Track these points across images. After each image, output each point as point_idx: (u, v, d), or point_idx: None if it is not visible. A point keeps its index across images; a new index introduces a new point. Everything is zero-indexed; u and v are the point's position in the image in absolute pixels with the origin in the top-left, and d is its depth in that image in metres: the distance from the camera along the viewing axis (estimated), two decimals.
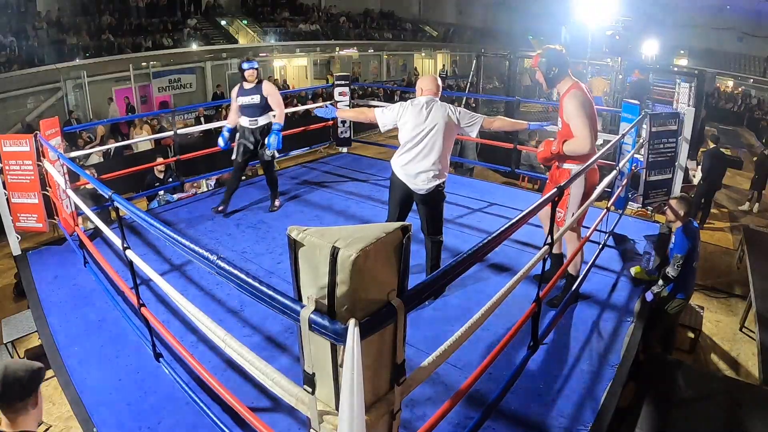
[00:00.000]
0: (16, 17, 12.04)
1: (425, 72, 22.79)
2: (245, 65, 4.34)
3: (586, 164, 2.61)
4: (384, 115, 3.06)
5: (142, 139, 7.71)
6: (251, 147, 4.45)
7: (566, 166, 2.91)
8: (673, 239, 3.55)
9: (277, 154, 4.62)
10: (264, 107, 4.38)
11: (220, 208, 4.51)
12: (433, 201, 3.04)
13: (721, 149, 7.58)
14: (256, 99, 4.31)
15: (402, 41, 21.75)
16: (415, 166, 2.93)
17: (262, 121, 4.42)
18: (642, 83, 9.20)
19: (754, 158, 9.54)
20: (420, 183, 2.94)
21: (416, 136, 2.91)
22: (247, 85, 4.35)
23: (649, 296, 3.28)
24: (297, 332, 1.23)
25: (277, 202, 4.68)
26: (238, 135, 4.48)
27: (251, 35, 16.91)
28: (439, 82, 3.09)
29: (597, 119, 2.91)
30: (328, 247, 1.13)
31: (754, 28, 20.52)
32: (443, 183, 3.01)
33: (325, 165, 6.16)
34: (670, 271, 3.37)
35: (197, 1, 16.42)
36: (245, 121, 4.40)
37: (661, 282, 3.35)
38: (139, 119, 10.12)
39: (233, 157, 4.50)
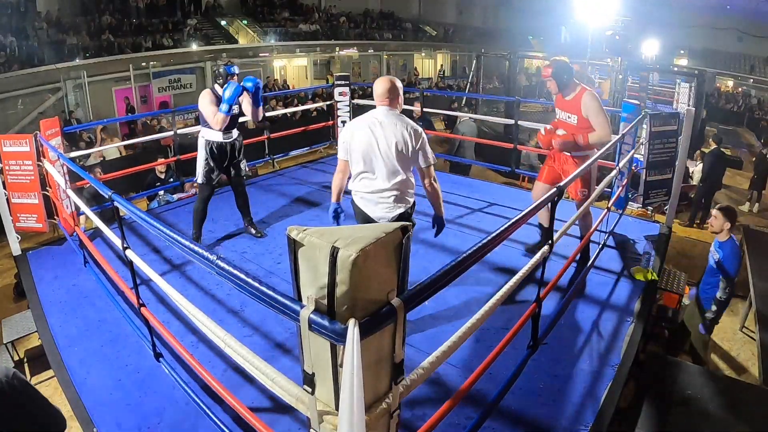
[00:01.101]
0: (16, 17, 12.05)
1: (425, 72, 22.77)
2: (236, 69, 3.77)
3: (599, 153, 3.02)
4: (340, 151, 2.65)
5: (143, 140, 7.71)
6: (223, 166, 3.84)
7: (581, 153, 3.30)
8: (716, 255, 3.48)
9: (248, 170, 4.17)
10: (239, 116, 3.87)
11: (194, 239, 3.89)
12: None
13: (722, 149, 7.58)
14: (235, 108, 3.73)
15: (402, 41, 21.75)
16: (372, 196, 2.59)
17: (236, 132, 3.88)
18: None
19: (753, 158, 9.55)
20: (381, 211, 2.60)
21: (369, 158, 2.52)
22: (221, 91, 3.71)
23: (702, 329, 3.36)
24: (297, 332, 1.23)
25: (253, 230, 4.08)
26: (202, 156, 3.77)
27: (251, 35, 16.91)
28: (398, 84, 2.59)
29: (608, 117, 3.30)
30: (328, 247, 1.13)
31: (754, 28, 20.53)
32: (411, 209, 2.67)
33: (325, 165, 6.16)
34: (721, 295, 3.37)
35: (197, 1, 16.44)
36: (217, 136, 3.72)
37: (714, 308, 3.38)
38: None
39: (200, 181, 3.79)
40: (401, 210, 2.61)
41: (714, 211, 3.58)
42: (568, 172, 3.29)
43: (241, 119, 4.02)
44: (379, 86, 2.56)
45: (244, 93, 3.68)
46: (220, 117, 3.63)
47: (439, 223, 2.77)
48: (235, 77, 3.72)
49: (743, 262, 5.45)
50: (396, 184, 2.55)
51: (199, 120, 3.83)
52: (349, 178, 2.68)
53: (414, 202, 2.68)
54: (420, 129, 2.56)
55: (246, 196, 4.05)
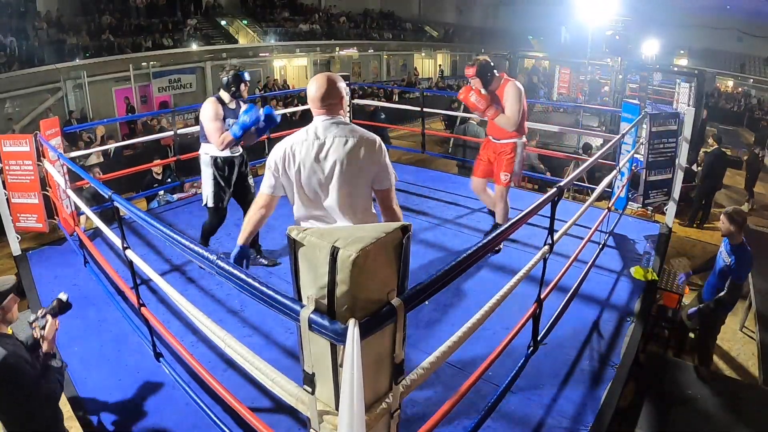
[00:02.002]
0: (16, 17, 12.05)
1: (425, 72, 22.74)
2: (247, 75, 3.35)
3: (599, 153, 2.91)
4: (266, 183, 2.08)
5: (142, 140, 7.71)
6: (232, 183, 3.43)
7: (511, 140, 3.54)
8: (727, 258, 3.49)
9: None
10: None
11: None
12: None
13: (722, 149, 7.58)
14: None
15: (402, 41, 21.76)
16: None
17: (240, 147, 3.44)
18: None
19: (745, 157, 9.55)
20: None
21: (313, 190, 1.99)
22: (232, 103, 3.32)
23: (693, 312, 3.34)
24: (297, 332, 1.23)
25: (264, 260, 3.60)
26: (209, 175, 3.32)
27: (251, 35, 16.92)
28: (339, 83, 2.02)
29: (525, 107, 3.53)
30: (328, 247, 1.13)
31: (754, 28, 20.53)
32: None
33: None
34: (727, 297, 3.38)
35: (197, 1, 16.44)
36: (225, 151, 3.29)
37: (712, 305, 3.40)
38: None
39: (212, 204, 3.37)
40: None
41: (721, 217, 3.58)
42: (498, 158, 3.59)
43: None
44: (313, 88, 1.97)
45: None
46: (227, 139, 3.17)
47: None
48: (242, 85, 3.30)
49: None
50: (356, 217, 2.01)
51: (200, 129, 3.37)
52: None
53: None
54: (378, 140, 2.00)
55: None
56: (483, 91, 3.43)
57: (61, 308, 2.24)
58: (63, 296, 2.26)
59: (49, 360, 2.09)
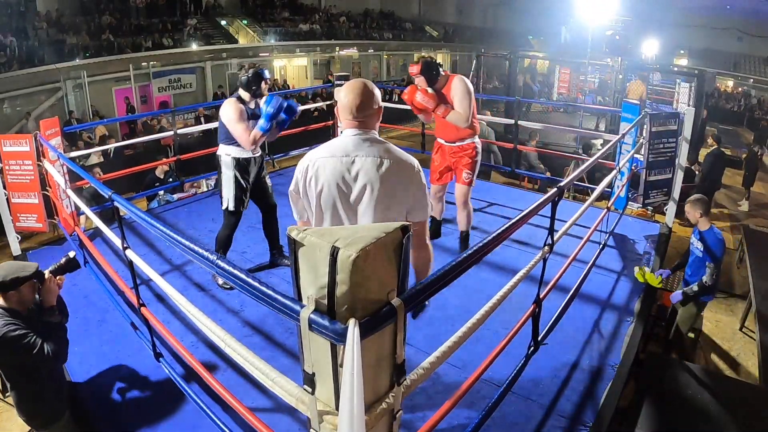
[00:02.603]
0: (16, 17, 12.04)
1: None
2: (267, 73, 3.22)
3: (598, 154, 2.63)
4: (294, 210, 1.90)
5: (142, 140, 7.71)
6: (252, 184, 3.31)
7: (469, 140, 3.46)
8: (698, 245, 3.54)
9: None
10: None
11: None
12: None
13: (722, 149, 7.57)
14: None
15: (402, 41, 21.75)
16: None
17: (259, 147, 3.32)
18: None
19: (743, 156, 9.54)
20: None
21: (338, 213, 1.74)
22: (252, 102, 3.21)
23: (677, 296, 3.34)
24: (297, 332, 1.23)
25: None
26: (230, 177, 3.19)
27: (251, 35, 16.91)
28: (376, 91, 1.74)
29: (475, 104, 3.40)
30: (328, 247, 1.13)
31: (754, 28, 20.53)
32: None
33: None
34: (707, 280, 3.40)
35: (197, 1, 16.43)
36: (245, 152, 3.17)
37: (696, 288, 3.39)
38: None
39: (233, 208, 3.23)
40: None
41: (686, 207, 3.62)
42: (457, 160, 3.50)
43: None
44: (350, 96, 1.69)
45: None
46: (257, 135, 3.05)
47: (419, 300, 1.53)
48: (263, 85, 3.18)
49: (744, 262, 5.45)
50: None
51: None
52: None
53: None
54: (417, 164, 1.77)
55: (275, 218, 3.48)
56: (430, 90, 3.29)
57: (69, 265, 2.29)
58: (71, 254, 2.33)
59: (50, 316, 2.16)
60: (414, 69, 3.33)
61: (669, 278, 4.05)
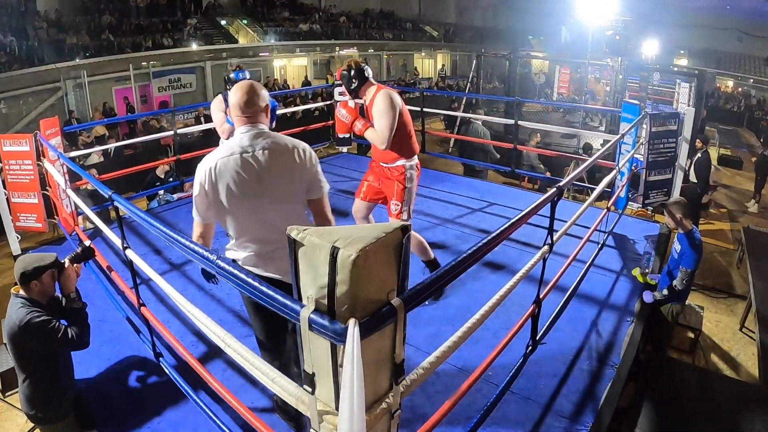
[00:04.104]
0: (16, 17, 12.04)
1: (425, 72, 22.73)
2: (238, 75, 3.53)
3: (598, 154, 2.59)
4: (195, 212, 1.93)
5: (142, 140, 7.70)
6: None
7: (398, 163, 3.01)
8: (677, 247, 3.46)
9: None
10: None
11: None
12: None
13: (708, 150, 7.51)
14: None
15: (402, 41, 21.75)
16: (269, 253, 1.92)
17: None
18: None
19: (753, 159, 9.52)
20: (287, 264, 1.71)
21: (252, 206, 1.86)
22: None
23: (648, 297, 3.27)
24: (297, 332, 1.23)
25: None
26: None
27: (251, 35, 16.91)
28: (262, 91, 1.92)
29: (409, 118, 3.01)
30: (328, 247, 1.13)
31: (754, 28, 20.53)
32: None
33: (325, 165, 6.15)
34: (678, 285, 3.28)
35: (197, 1, 16.43)
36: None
37: (666, 292, 3.32)
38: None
39: None
40: None
41: (667, 207, 3.51)
42: (384, 185, 3.09)
43: None
44: (237, 95, 1.87)
45: None
46: (226, 128, 3.47)
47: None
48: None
49: (744, 263, 5.45)
50: (302, 222, 1.86)
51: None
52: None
53: None
54: (308, 147, 1.94)
55: None
56: (351, 102, 2.96)
57: (85, 254, 2.37)
58: (87, 242, 2.45)
59: (71, 302, 2.24)
60: (337, 74, 3.01)
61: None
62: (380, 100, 2.85)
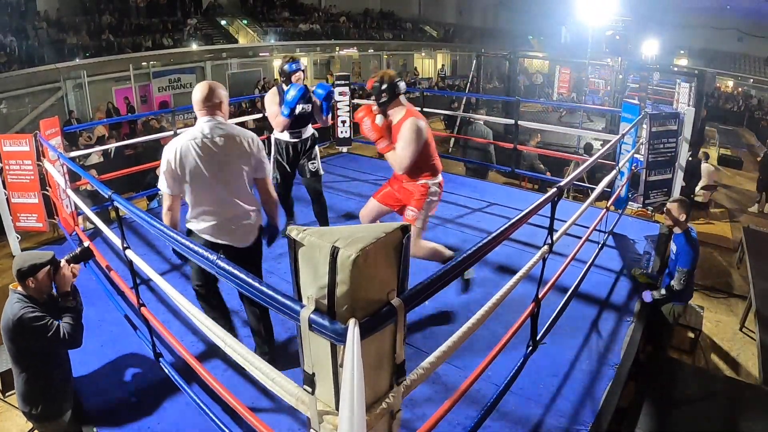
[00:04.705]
0: (16, 17, 12.04)
1: (425, 72, 22.74)
2: (292, 66, 3.51)
3: (598, 154, 2.60)
4: (163, 185, 2.25)
5: (143, 139, 7.70)
6: (290, 166, 3.73)
7: (421, 181, 2.90)
8: (674, 247, 3.46)
9: (321, 170, 3.85)
10: (311, 115, 3.64)
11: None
12: (255, 255, 2.45)
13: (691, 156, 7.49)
14: (307, 107, 3.54)
15: (402, 41, 21.74)
16: (222, 227, 2.29)
17: (307, 132, 3.71)
18: None
19: (758, 158, 9.50)
20: (240, 236, 2.33)
21: (207, 184, 2.22)
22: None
23: (647, 297, 3.26)
24: (297, 332, 1.23)
25: None
26: (272, 155, 3.70)
27: (251, 35, 16.91)
28: (220, 90, 2.29)
29: (433, 143, 2.91)
30: (328, 247, 1.13)
31: (754, 28, 20.53)
32: (260, 228, 2.45)
33: (325, 165, 6.12)
34: (675, 285, 3.27)
35: (197, 1, 16.43)
36: (284, 135, 3.65)
37: (663, 292, 3.32)
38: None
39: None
40: (256, 234, 2.39)
41: (668, 204, 3.49)
42: (405, 194, 2.98)
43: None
44: (197, 92, 2.25)
45: (313, 97, 3.53)
46: (280, 120, 3.47)
47: (273, 232, 2.52)
48: (299, 73, 3.52)
49: (744, 263, 5.45)
50: (244, 204, 2.30)
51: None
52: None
53: (262, 220, 2.46)
54: (254, 135, 2.33)
55: (321, 203, 3.83)
56: (379, 119, 2.84)
57: (83, 255, 2.39)
58: (86, 243, 2.46)
59: (65, 301, 2.24)
60: (368, 85, 2.93)
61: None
62: (407, 130, 2.74)
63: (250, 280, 1.32)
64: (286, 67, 3.53)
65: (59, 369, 2.27)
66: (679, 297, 3.39)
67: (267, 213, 2.50)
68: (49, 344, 2.15)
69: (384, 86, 2.78)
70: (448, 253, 3.01)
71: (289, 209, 3.94)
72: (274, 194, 2.47)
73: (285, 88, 3.49)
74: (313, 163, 3.75)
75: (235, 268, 1.39)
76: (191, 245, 1.59)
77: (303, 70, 3.57)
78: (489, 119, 7.30)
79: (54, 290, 2.28)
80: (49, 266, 2.20)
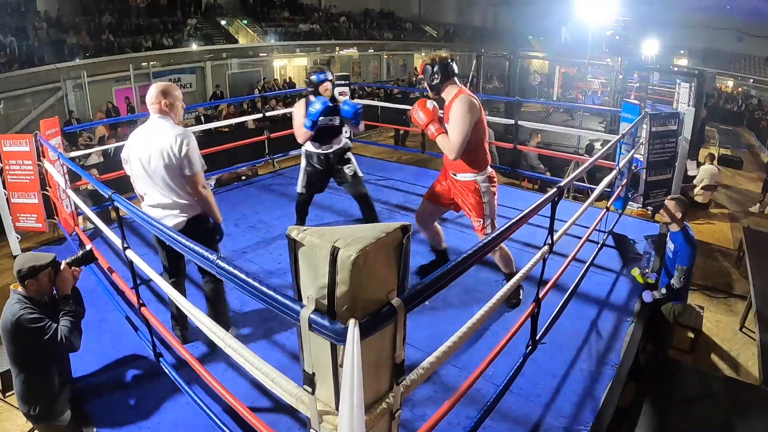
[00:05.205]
0: (16, 17, 12.04)
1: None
2: (319, 76, 3.46)
3: (598, 154, 2.59)
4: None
5: None
6: (322, 176, 3.75)
7: (467, 176, 2.84)
8: (671, 246, 3.47)
9: (360, 173, 3.81)
10: (340, 127, 3.63)
11: None
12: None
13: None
14: (335, 120, 3.55)
15: (402, 41, 21.76)
16: (155, 211, 2.49)
17: (336, 144, 3.67)
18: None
19: (766, 160, 9.48)
20: (168, 222, 2.46)
21: (144, 175, 2.46)
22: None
23: (647, 297, 3.27)
24: (297, 332, 1.23)
25: None
26: (302, 164, 3.76)
27: (251, 35, 16.92)
28: (169, 89, 2.49)
29: (485, 128, 2.84)
30: (328, 247, 1.13)
31: (754, 28, 20.54)
32: (199, 217, 2.56)
33: None
34: (675, 283, 3.29)
35: (197, 1, 16.43)
36: (312, 146, 3.64)
37: (664, 291, 3.32)
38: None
39: (299, 190, 3.78)
40: (184, 218, 2.51)
41: (666, 201, 3.51)
42: (457, 197, 2.95)
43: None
44: (149, 91, 2.48)
45: (338, 112, 3.50)
46: (301, 132, 3.47)
47: (217, 229, 2.63)
48: (326, 84, 3.45)
49: (744, 263, 5.45)
50: (179, 196, 2.46)
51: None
52: None
53: (199, 212, 2.57)
54: (183, 134, 2.41)
55: (369, 204, 3.79)
56: (430, 103, 2.78)
57: (85, 258, 2.41)
58: (88, 246, 2.49)
59: (65, 304, 2.24)
60: (420, 69, 2.91)
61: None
62: (458, 105, 2.68)
63: (250, 280, 1.32)
64: (313, 77, 3.47)
65: (58, 370, 2.26)
66: (679, 295, 3.39)
67: (204, 211, 2.62)
68: (47, 346, 2.15)
69: (436, 67, 2.74)
70: (514, 268, 3.04)
71: (302, 219, 3.90)
72: (203, 191, 2.54)
73: (312, 99, 3.43)
74: (349, 167, 3.74)
75: (234, 268, 1.40)
76: (191, 246, 1.59)
77: (331, 80, 3.49)
78: (492, 120, 7.30)
79: (55, 292, 2.27)
80: (49, 268, 2.20)
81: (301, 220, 3.89)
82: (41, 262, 2.19)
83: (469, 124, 2.66)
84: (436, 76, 2.76)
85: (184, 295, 2.61)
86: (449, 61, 2.78)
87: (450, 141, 2.70)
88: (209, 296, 2.75)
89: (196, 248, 1.57)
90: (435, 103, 2.79)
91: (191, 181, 2.46)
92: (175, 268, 2.69)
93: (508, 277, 3.09)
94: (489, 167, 2.88)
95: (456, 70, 2.78)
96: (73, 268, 2.32)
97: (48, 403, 2.23)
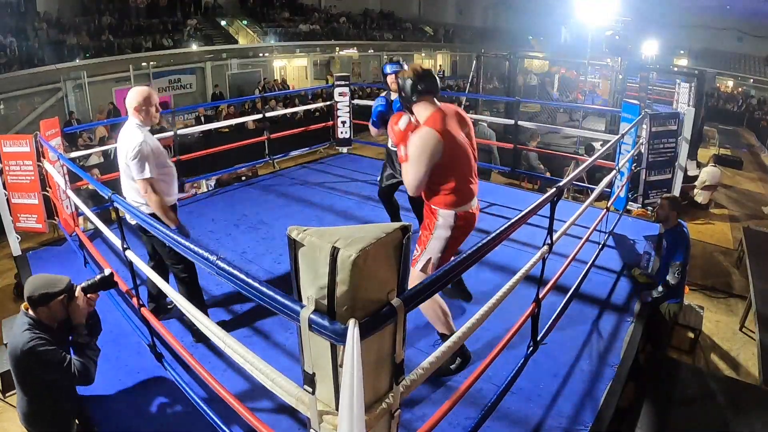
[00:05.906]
0: (16, 17, 12.04)
1: None
2: (386, 68, 3.43)
3: (597, 154, 2.59)
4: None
5: None
6: (386, 170, 3.73)
7: (433, 206, 2.39)
8: (665, 243, 3.52)
9: None
10: None
11: None
12: (147, 231, 2.67)
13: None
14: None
15: (402, 41, 21.75)
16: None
17: None
18: None
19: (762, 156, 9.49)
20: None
21: (120, 170, 2.70)
22: (393, 96, 3.45)
23: (647, 297, 3.28)
24: (297, 332, 1.23)
25: None
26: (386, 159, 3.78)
27: (251, 35, 16.92)
28: (145, 93, 2.69)
29: (461, 163, 2.34)
30: (328, 248, 1.13)
31: (754, 28, 20.54)
32: (156, 215, 2.59)
33: (325, 165, 6.16)
34: (670, 279, 3.32)
35: (197, 1, 16.43)
36: (388, 141, 3.54)
37: (661, 289, 3.34)
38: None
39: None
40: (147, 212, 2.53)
41: (660, 200, 3.58)
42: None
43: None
44: (127, 95, 2.70)
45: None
46: (371, 128, 3.57)
47: (181, 231, 2.70)
48: (392, 77, 3.38)
49: (743, 263, 5.45)
50: (132, 197, 2.67)
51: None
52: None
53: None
54: (138, 142, 2.53)
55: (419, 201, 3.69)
56: (403, 122, 2.30)
57: (103, 283, 2.15)
58: (107, 271, 2.19)
59: (78, 335, 2.09)
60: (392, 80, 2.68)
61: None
62: (415, 141, 2.22)
63: (249, 281, 1.32)
64: (384, 68, 3.46)
65: (66, 393, 2.14)
66: (675, 292, 3.41)
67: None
68: (60, 378, 2.02)
69: (403, 82, 2.32)
70: (452, 325, 2.44)
71: (395, 214, 3.84)
72: (149, 197, 2.61)
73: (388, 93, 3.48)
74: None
75: (234, 269, 1.40)
76: (191, 246, 1.59)
77: (397, 73, 2.99)
78: (489, 119, 7.30)
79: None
80: (63, 296, 2.03)
81: (388, 212, 3.85)
82: (54, 290, 2.00)
83: (425, 164, 2.21)
84: (402, 92, 2.34)
85: (166, 280, 2.55)
86: (423, 74, 2.29)
87: (406, 176, 2.29)
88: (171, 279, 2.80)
89: (196, 248, 1.57)
90: (410, 118, 2.34)
91: (140, 185, 2.59)
92: (155, 252, 2.90)
93: (443, 337, 2.45)
94: (468, 207, 2.40)
95: (433, 86, 2.30)
96: (89, 294, 2.11)
97: (52, 424, 2.12)
